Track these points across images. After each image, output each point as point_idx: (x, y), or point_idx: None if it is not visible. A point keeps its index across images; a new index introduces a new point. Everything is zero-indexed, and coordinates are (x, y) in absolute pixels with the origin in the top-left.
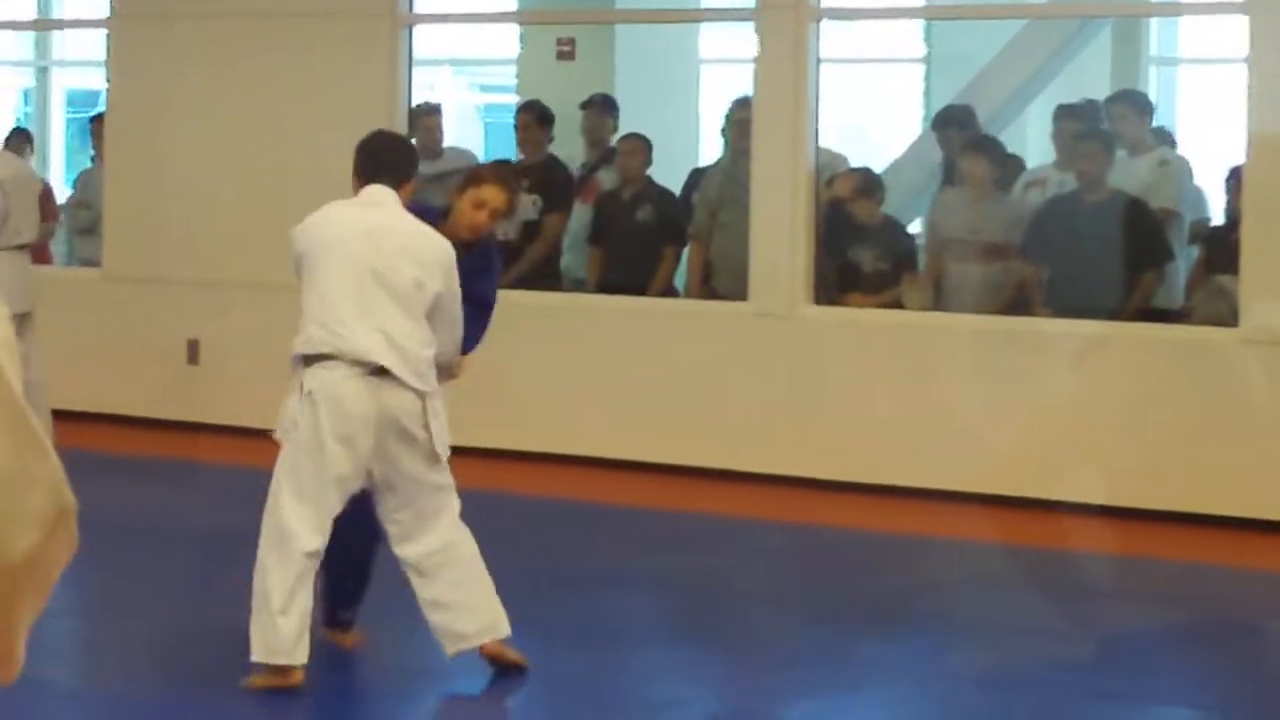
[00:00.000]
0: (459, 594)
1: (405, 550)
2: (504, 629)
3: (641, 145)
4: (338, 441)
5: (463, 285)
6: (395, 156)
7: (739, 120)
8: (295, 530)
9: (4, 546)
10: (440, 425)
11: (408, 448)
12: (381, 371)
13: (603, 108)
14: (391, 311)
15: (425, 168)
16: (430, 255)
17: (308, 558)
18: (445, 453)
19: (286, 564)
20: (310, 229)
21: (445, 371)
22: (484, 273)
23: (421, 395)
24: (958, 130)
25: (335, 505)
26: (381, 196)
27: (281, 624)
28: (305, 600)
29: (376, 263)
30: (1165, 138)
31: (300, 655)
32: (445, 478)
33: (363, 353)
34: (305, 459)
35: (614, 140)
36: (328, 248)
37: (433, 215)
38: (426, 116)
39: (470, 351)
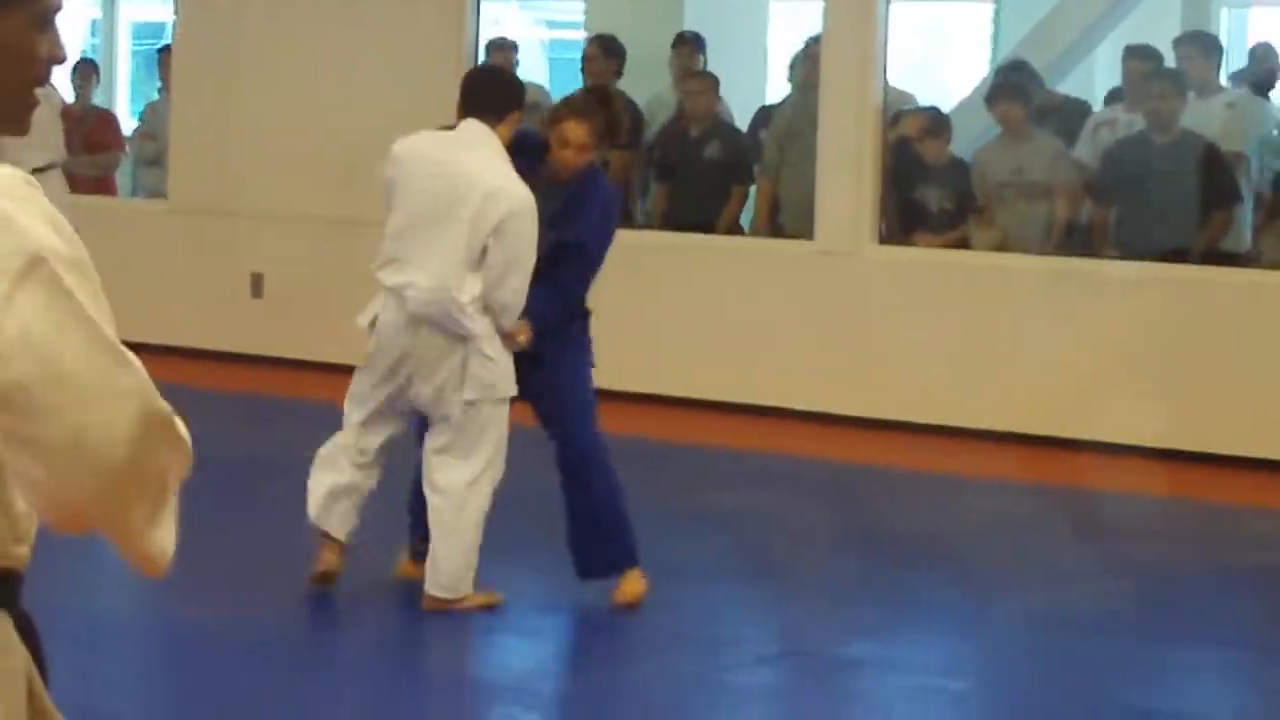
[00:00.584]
0: (434, 541)
1: (423, 482)
2: (457, 589)
3: (708, 83)
4: (381, 358)
5: (554, 225)
6: (489, 90)
7: (811, 55)
8: (343, 423)
9: (102, 457)
10: (481, 369)
11: (440, 386)
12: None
13: (693, 45)
14: (440, 253)
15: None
16: (494, 193)
17: (340, 440)
18: (478, 396)
19: (326, 445)
20: (397, 159)
21: (502, 330)
22: (573, 214)
23: (461, 338)
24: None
25: (373, 412)
26: (471, 134)
27: (310, 486)
28: (331, 476)
29: (440, 202)
30: (1259, 77)
31: (327, 523)
32: (477, 427)
33: (399, 289)
34: (360, 369)
35: None
36: (402, 182)
37: (537, 144)
38: (500, 51)
39: (567, 299)
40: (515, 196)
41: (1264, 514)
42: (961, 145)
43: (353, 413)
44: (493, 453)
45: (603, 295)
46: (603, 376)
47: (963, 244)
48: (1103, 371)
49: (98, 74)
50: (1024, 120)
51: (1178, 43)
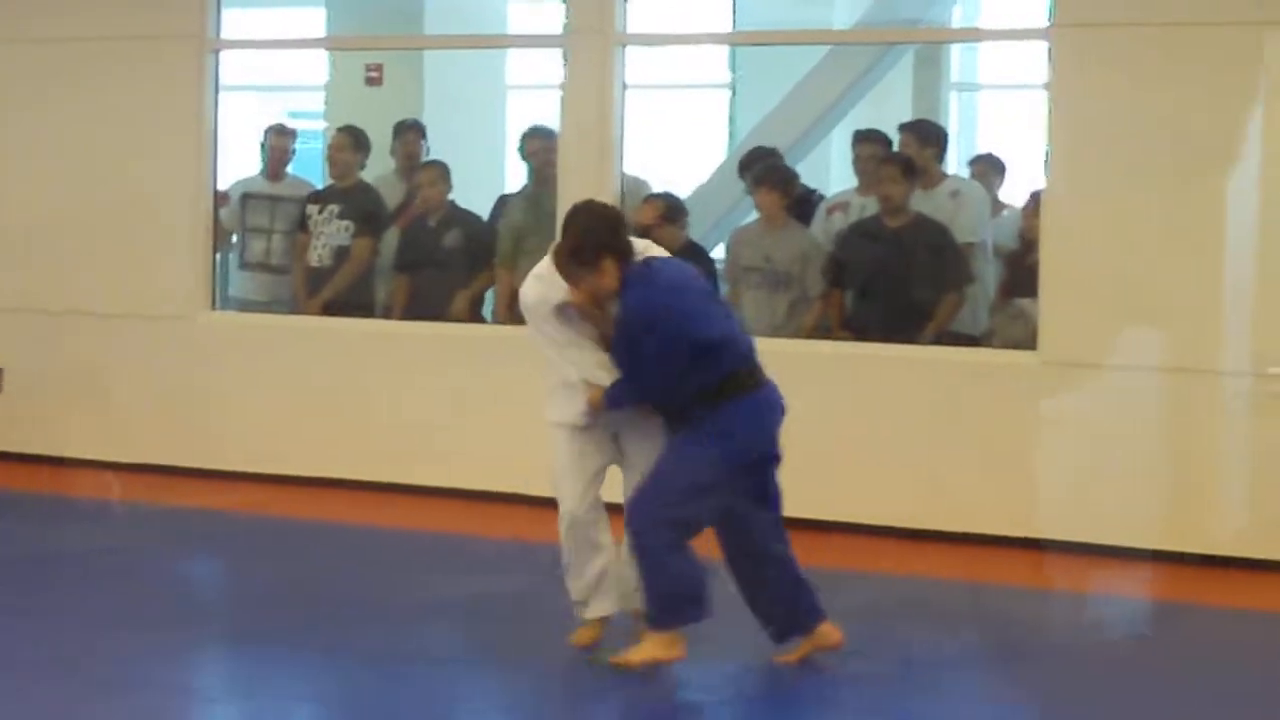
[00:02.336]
0: None
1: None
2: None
3: (441, 173)
4: None
5: None
6: None
7: (532, 151)
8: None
9: None
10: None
11: None
12: None
13: (416, 132)
14: None
15: (266, 188)
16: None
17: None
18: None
19: None
20: None
21: None
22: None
23: None
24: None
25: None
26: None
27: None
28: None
29: None
30: (996, 165)
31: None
32: None
33: None
34: None
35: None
36: None
37: None
38: (278, 136)
39: (626, 391)
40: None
41: (999, 591)
42: (700, 229)
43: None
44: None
45: (344, 385)
46: (351, 467)
47: None
48: (841, 453)
49: None
50: (781, 209)
51: (901, 129)
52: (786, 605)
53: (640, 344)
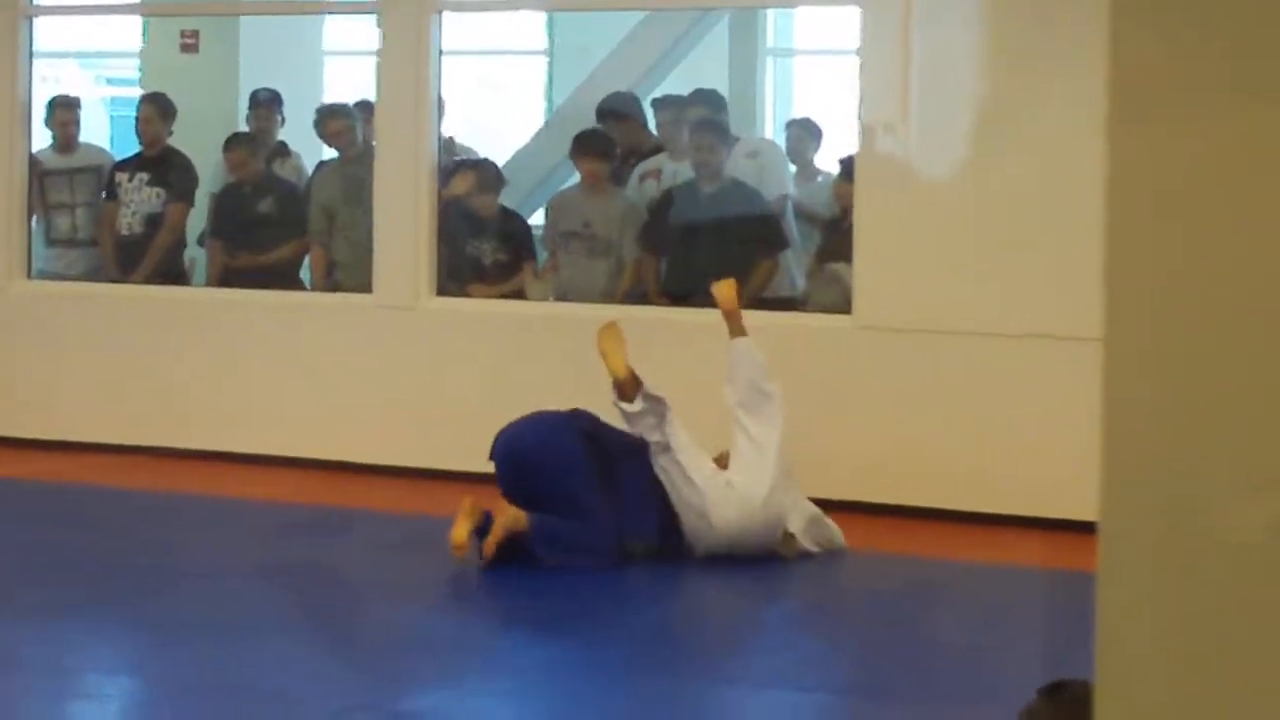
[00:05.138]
0: None
1: None
2: None
3: (250, 150)
4: None
5: None
6: None
7: (333, 132)
8: None
9: None
10: None
11: None
12: None
13: (267, 107)
14: None
15: (59, 161)
16: None
17: None
18: None
19: None
20: None
21: None
22: None
23: None
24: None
25: None
26: None
27: None
28: None
29: None
30: (811, 130)
31: None
32: None
33: None
34: None
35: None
36: None
37: None
38: (63, 109)
39: None
40: None
41: (818, 554)
42: (517, 196)
43: None
44: None
45: (160, 353)
46: (163, 434)
47: (519, 294)
48: None
49: None
50: (604, 178)
51: (686, 102)
52: None
53: None
